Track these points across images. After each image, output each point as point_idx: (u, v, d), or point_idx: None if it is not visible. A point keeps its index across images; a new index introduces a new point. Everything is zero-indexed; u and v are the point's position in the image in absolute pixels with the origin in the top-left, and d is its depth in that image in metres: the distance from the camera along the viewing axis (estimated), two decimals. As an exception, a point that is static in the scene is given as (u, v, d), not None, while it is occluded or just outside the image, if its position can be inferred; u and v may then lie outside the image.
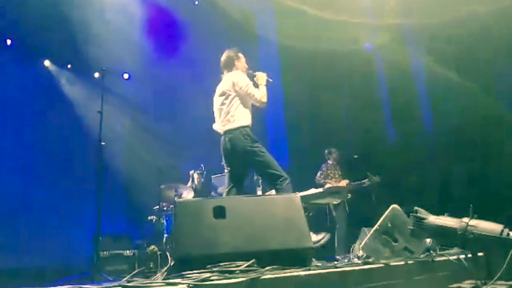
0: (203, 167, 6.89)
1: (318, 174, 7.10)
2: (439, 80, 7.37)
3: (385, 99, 8.53)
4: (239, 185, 4.12)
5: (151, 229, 6.36)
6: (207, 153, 7.80)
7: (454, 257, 3.08)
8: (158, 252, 4.54)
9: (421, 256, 3.28)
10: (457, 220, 2.65)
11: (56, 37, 7.67)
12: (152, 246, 4.64)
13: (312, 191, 6.01)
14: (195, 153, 8.00)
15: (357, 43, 8.21)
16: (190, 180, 6.92)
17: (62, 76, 8.45)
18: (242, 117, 4.03)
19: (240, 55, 4.30)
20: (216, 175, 6.95)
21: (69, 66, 8.45)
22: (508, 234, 2.48)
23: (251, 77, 4.23)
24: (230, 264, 2.29)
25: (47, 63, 8.33)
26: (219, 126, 4.20)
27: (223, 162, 4.21)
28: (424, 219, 2.76)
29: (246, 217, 2.81)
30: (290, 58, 8.48)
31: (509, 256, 2.32)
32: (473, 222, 2.58)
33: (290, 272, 2.30)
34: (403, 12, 7.26)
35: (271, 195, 4.90)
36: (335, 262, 3.29)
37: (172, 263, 2.62)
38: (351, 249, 4.10)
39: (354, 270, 2.65)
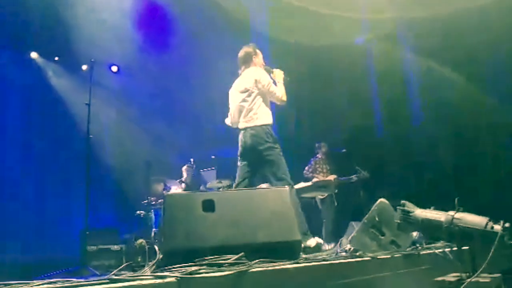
0: (192, 161, 6.88)
1: (306, 168, 7.14)
2: (428, 74, 7.44)
3: (375, 94, 8.59)
4: (251, 179, 4.24)
5: (139, 224, 6.34)
6: (197, 147, 7.79)
7: (440, 250, 3.13)
8: (146, 246, 4.53)
9: (408, 249, 3.34)
10: (443, 213, 2.68)
11: (43, 29, 7.56)
12: (140, 240, 4.63)
13: (301, 184, 6.04)
14: (185, 147, 7.98)
15: (348, 38, 8.23)
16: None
17: (49, 68, 8.34)
18: (265, 116, 4.12)
19: (258, 51, 4.37)
20: (205, 169, 6.94)
21: (56, 58, 8.34)
22: (492, 227, 2.51)
23: (268, 73, 4.29)
24: (218, 257, 2.30)
25: (34, 55, 8.21)
26: (239, 122, 4.26)
27: (238, 156, 4.29)
28: (410, 212, 2.79)
29: (235, 211, 2.82)
30: (281, 53, 8.46)
31: (492, 249, 2.36)
32: (459, 215, 2.61)
33: (278, 265, 2.31)
34: (395, 6, 7.29)
35: (261, 188, 4.91)
36: (323, 256, 3.32)
37: (160, 257, 2.62)
38: (339, 243, 4.14)
39: (341, 263, 2.68)
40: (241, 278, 2.03)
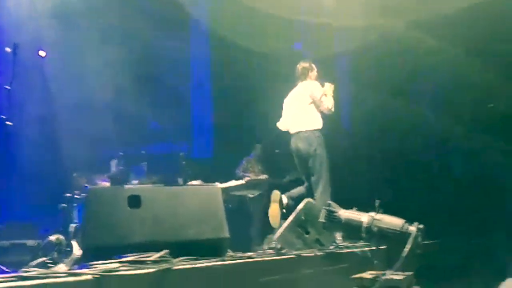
0: (121, 155, 6.62)
1: (239, 167, 7.21)
2: (359, 80, 7.73)
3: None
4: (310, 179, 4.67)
5: (61, 218, 5.98)
6: (127, 141, 7.51)
7: (359, 249, 3.29)
8: (65, 242, 4.28)
9: (330, 247, 3.47)
10: (364, 214, 2.83)
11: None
12: (57, 235, 4.36)
13: (232, 183, 6.08)
14: (113, 140, 7.65)
15: (289, 41, 8.33)
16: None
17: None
18: (316, 121, 4.69)
19: (313, 66, 4.97)
20: (136, 165, 6.72)
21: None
22: (407, 229, 2.69)
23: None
24: (141, 254, 2.22)
25: None
26: (292, 127, 4.81)
27: (296, 160, 4.81)
28: (334, 212, 2.91)
29: (163, 207, 2.76)
30: (221, 50, 8.39)
31: (405, 249, 2.52)
32: (379, 216, 2.77)
33: (203, 263, 2.29)
34: (337, 12, 7.41)
35: (192, 185, 4.87)
36: (250, 253, 3.35)
37: (80, 253, 2.49)
38: (266, 240, 4.21)
39: (266, 260, 2.72)
40: (164, 276, 1.99)
